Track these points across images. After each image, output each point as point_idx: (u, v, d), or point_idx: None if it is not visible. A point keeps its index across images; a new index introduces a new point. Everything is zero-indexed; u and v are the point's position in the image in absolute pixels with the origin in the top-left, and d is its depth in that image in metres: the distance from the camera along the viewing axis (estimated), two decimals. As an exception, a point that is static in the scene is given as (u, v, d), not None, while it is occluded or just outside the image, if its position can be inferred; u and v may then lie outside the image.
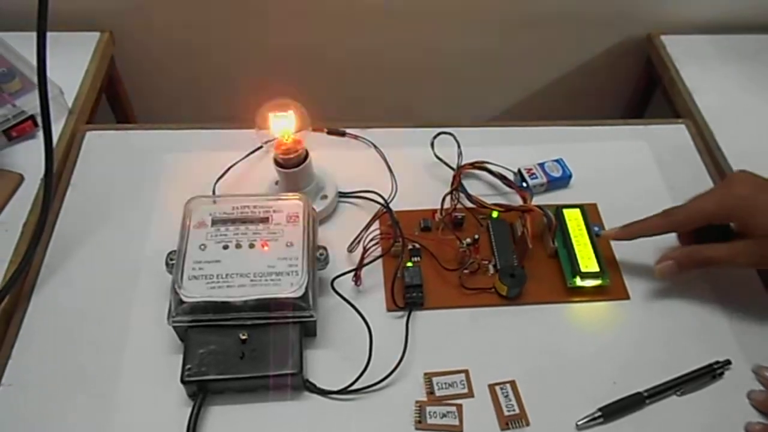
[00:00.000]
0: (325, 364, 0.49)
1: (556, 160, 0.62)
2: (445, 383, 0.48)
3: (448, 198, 0.57)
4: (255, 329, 0.47)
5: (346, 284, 0.53)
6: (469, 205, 0.58)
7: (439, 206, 0.57)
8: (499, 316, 0.53)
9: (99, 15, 0.75)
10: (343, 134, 0.66)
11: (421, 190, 0.61)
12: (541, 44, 0.84)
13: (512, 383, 0.48)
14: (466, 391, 0.48)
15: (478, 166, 0.61)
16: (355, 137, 0.65)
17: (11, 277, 0.50)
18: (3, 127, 0.60)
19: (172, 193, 0.59)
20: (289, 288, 0.46)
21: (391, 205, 0.58)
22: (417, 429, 0.46)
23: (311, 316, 0.47)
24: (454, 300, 0.53)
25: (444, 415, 0.46)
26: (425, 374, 0.49)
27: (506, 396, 0.48)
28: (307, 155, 0.55)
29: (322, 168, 0.59)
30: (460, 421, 0.46)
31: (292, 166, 0.55)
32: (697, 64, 0.76)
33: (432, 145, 0.62)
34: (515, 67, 0.88)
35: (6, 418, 0.45)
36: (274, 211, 0.51)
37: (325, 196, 0.58)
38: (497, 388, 0.48)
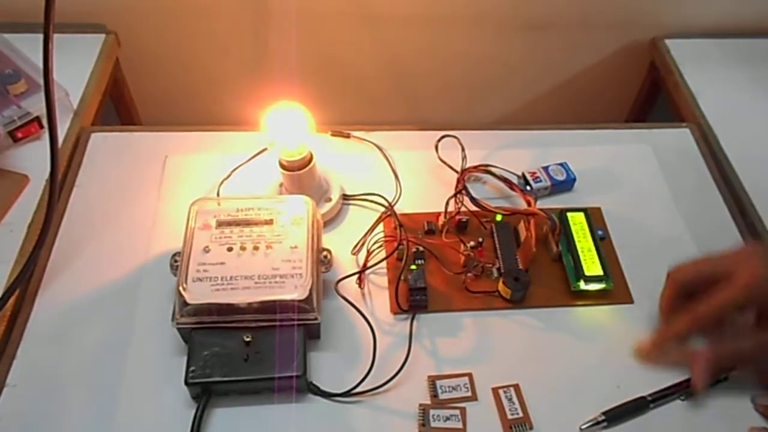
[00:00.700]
0: (328, 367, 0.49)
1: (561, 164, 0.62)
2: (449, 386, 0.48)
3: (453, 201, 0.57)
4: (259, 331, 0.47)
5: (350, 287, 0.53)
6: (474, 208, 0.58)
7: (443, 209, 0.57)
8: (502, 320, 0.53)
9: (104, 17, 0.76)
10: (348, 137, 0.66)
11: (425, 193, 0.61)
12: (545, 48, 0.84)
13: (516, 387, 0.48)
14: (469, 394, 0.48)
15: (483, 169, 0.61)
16: (360, 140, 0.66)
17: (16, 278, 0.50)
18: (9, 129, 0.60)
19: (177, 195, 0.59)
20: (293, 290, 0.46)
21: (395, 208, 0.59)
22: (420, 432, 0.46)
23: (315, 319, 0.47)
24: (458, 303, 0.53)
25: (447, 419, 0.46)
26: (429, 377, 0.49)
27: (510, 399, 0.48)
28: (311, 158, 0.55)
29: (326, 170, 0.59)
30: (464, 424, 0.46)
31: (297, 169, 0.55)
32: (701, 68, 0.76)
33: (436, 148, 0.62)
34: (519, 71, 0.88)
35: (11, 417, 0.45)
36: (279, 214, 0.51)
37: (329, 199, 0.58)
38: (501, 391, 0.48)
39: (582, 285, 0.54)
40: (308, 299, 0.46)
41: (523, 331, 0.52)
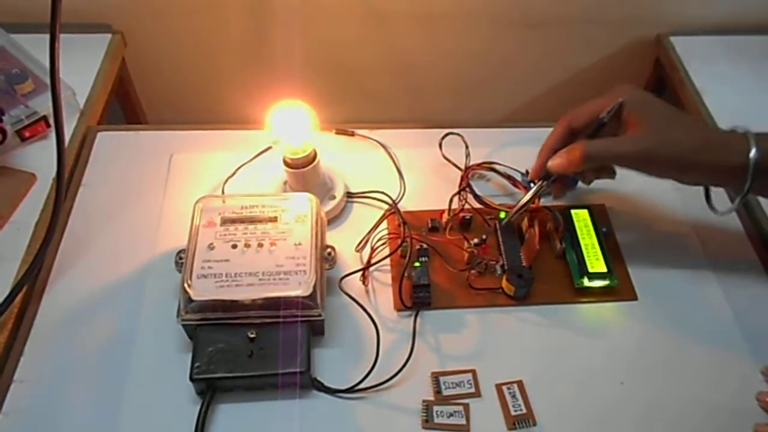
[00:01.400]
0: (332, 363, 0.49)
1: (564, 161, 0.62)
2: (452, 383, 0.48)
3: (456, 198, 0.58)
4: (263, 328, 0.47)
5: (353, 284, 0.54)
6: (477, 205, 0.58)
7: (446, 206, 0.57)
8: (506, 317, 0.53)
9: (110, 17, 0.76)
10: (352, 134, 0.66)
11: (429, 190, 0.61)
12: (550, 46, 0.84)
13: (519, 383, 0.49)
14: (473, 390, 0.48)
15: (487, 166, 0.61)
16: (364, 138, 0.66)
17: (24, 275, 0.50)
18: (16, 128, 0.61)
19: (182, 193, 0.59)
20: (297, 287, 0.47)
21: (399, 206, 0.59)
22: (424, 428, 0.46)
23: (319, 315, 0.48)
24: (461, 300, 0.53)
25: (451, 415, 0.47)
26: (432, 374, 0.49)
27: (513, 396, 0.48)
28: (315, 155, 0.55)
29: (330, 168, 0.60)
30: (467, 420, 0.46)
31: (301, 166, 0.55)
32: (707, 65, 0.76)
33: (440, 145, 0.62)
34: (524, 68, 0.88)
35: (19, 412, 0.46)
36: (283, 211, 0.51)
37: (333, 196, 0.58)
38: (504, 387, 0.48)
39: (586, 282, 0.54)
40: (312, 296, 0.47)
41: (527, 328, 0.52)
